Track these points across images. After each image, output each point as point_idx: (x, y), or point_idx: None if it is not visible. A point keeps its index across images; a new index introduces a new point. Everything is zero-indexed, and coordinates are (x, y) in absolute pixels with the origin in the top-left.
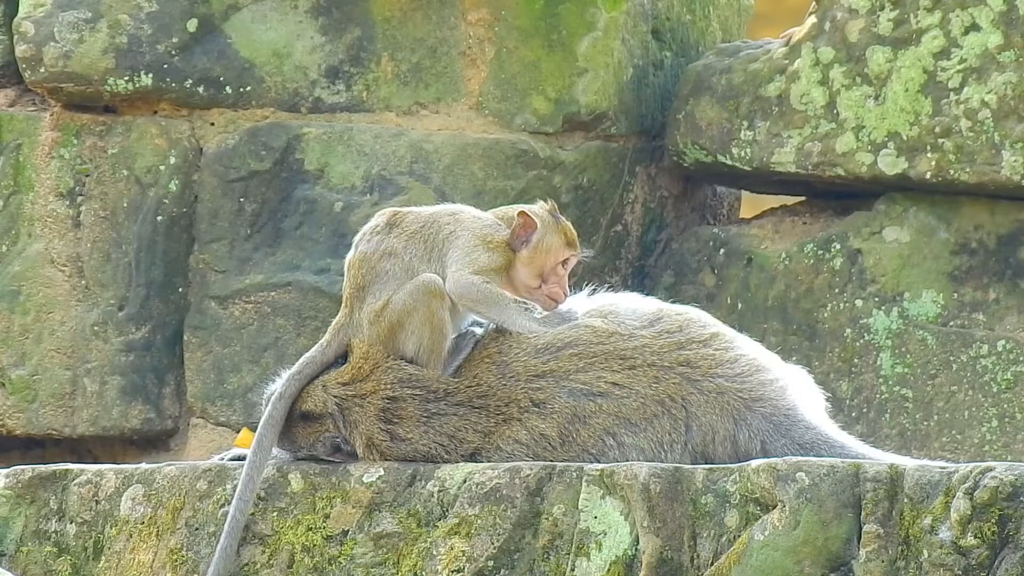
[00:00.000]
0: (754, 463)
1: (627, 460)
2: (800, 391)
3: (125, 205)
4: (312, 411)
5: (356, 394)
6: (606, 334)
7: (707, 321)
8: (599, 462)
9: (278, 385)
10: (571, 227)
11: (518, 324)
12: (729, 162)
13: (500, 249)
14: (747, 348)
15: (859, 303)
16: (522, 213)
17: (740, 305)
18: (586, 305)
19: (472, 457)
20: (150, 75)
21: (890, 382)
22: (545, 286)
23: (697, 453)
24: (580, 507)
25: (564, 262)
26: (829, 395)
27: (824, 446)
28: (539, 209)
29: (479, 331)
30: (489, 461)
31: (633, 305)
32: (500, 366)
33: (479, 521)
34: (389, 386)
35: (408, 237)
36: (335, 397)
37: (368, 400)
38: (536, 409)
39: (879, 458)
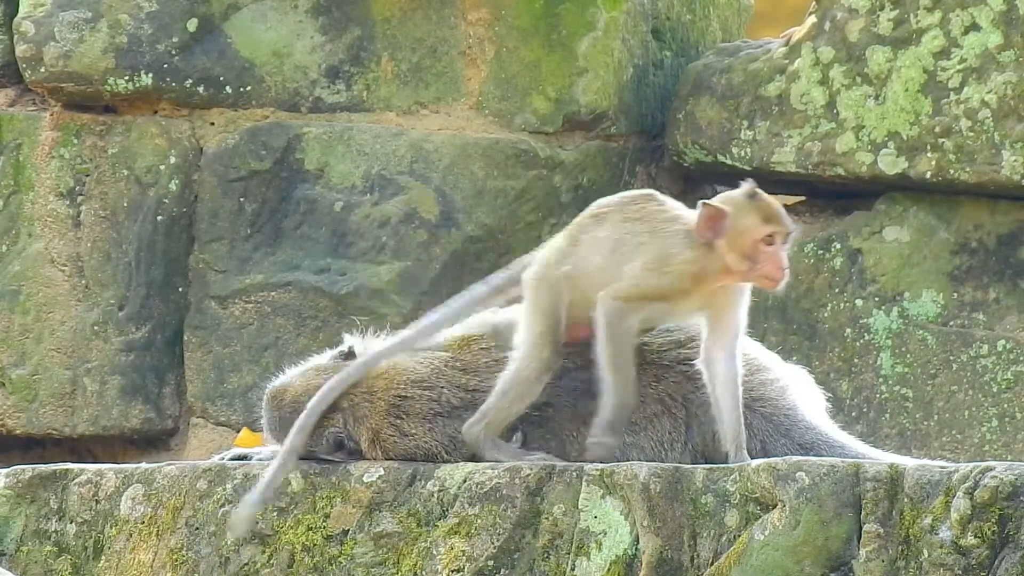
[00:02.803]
0: (754, 463)
1: (627, 459)
2: (800, 391)
3: (125, 205)
4: None
5: (367, 390)
6: None
7: None
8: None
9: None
10: (771, 203)
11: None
12: (729, 162)
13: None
14: (747, 347)
15: (859, 303)
16: (704, 205)
17: None
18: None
19: (472, 459)
20: (150, 75)
21: (890, 382)
22: (757, 267)
23: (697, 452)
24: (580, 507)
25: (769, 239)
26: (829, 395)
27: (824, 446)
28: (734, 192)
29: None
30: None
31: None
32: (500, 366)
33: (479, 521)
34: (401, 386)
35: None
36: (346, 392)
37: (379, 397)
38: (536, 413)
39: (879, 458)
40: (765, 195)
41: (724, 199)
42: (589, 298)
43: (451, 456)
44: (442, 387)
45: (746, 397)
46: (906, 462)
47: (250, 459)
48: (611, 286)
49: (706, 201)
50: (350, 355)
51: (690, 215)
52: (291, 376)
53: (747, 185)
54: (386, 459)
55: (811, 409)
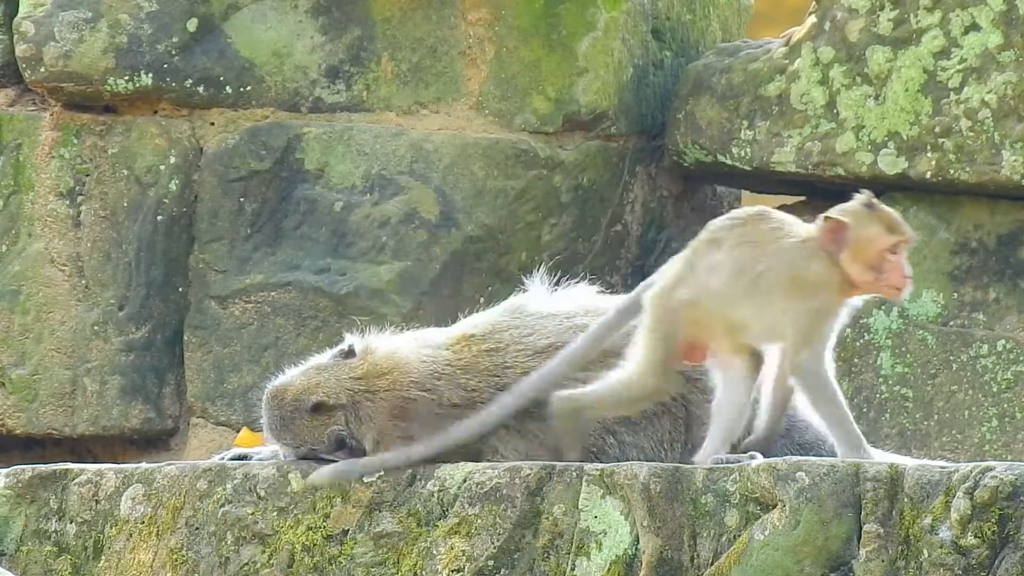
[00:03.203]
0: (754, 463)
1: (627, 459)
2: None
3: (125, 205)
4: (324, 402)
5: (368, 389)
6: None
7: None
8: (599, 461)
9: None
10: (891, 213)
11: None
12: (729, 162)
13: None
14: None
15: (859, 302)
16: (826, 219)
17: None
18: (583, 303)
19: (472, 459)
20: (150, 75)
21: (890, 382)
22: (882, 277)
23: (697, 452)
24: (580, 507)
25: (893, 249)
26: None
27: (824, 446)
28: (852, 203)
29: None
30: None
31: None
32: (500, 368)
33: (479, 521)
34: (406, 387)
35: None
36: (348, 390)
37: (381, 396)
38: (536, 411)
39: (879, 457)
40: (882, 204)
41: (843, 211)
42: (707, 324)
43: (452, 458)
44: (442, 388)
45: None
46: (906, 462)
47: (250, 459)
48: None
49: (827, 215)
50: (350, 353)
51: (805, 229)
52: (291, 376)
53: (863, 195)
54: None
55: (812, 418)
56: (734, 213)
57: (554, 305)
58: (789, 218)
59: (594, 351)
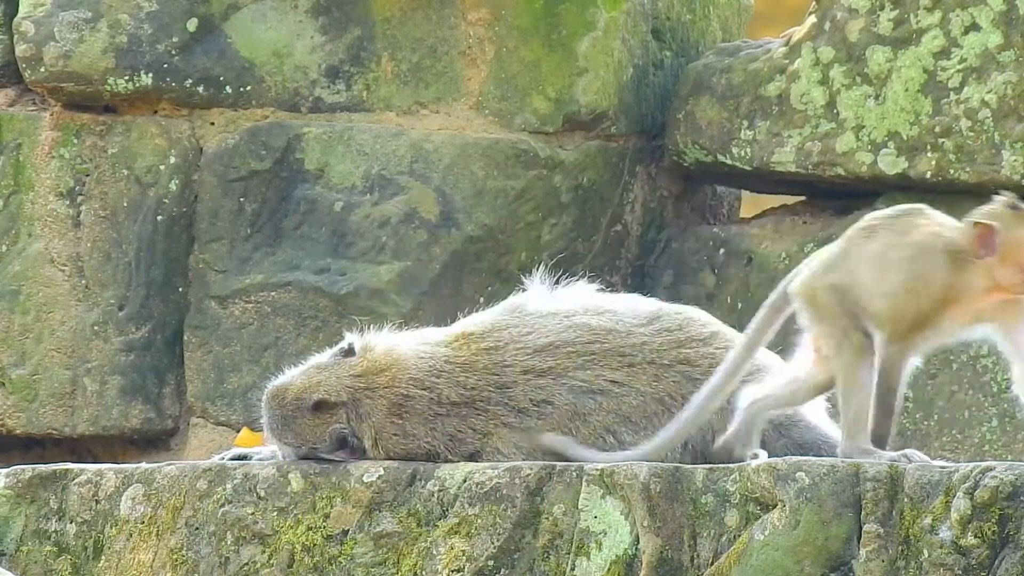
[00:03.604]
0: (754, 463)
1: (627, 458)
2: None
3: (125, 205)
4: (326, 400)
5: (367, 386)
6: (604, 331)
7: (707, 320)
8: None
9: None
10: None
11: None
12: (729, 162)
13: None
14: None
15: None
16: (974, 224)
17: (740, 305)
18: (583, 302)
19: (472, 458)
20: (150, 75)
21: None
22: None
23: (697, 452)
24: (580, 507)
25: None
26: (829, 395)
27: (824, 446)
28: (996, 206)
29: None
30: (489, 462)
31: (631, 303)
32: (498, 366)
33: (479, 521)
34: (404, 384)
35: None
36: (348, 387)
37: (380, 393)
38: (536, 409)
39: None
40: None
41: (989, 214)
42: (853, 310)
43: (452, 455)
44: (441, 386)
45: None
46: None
47: (250, 459)
48: (884, 328)
49: (975, 220)
50: (350, 352)
51: (954, 232)
52: (291, 375)
53: (1006, 197)
54: (387, 459)
55: (811, 410)
56: (896, 206)
57: (554, 304)
58: (944, 219)
59: (753, 353)
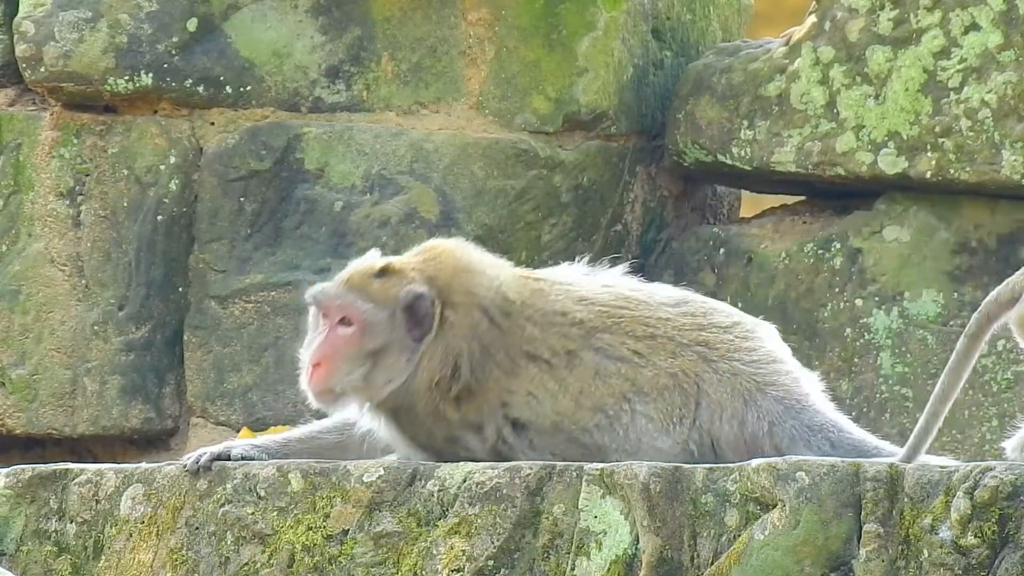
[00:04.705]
0: (754, 462)
1: (637, 426)
2: (814, 387)
3: (125, 205)
4: (394, 267)
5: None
6: (634, 300)
7: (731, 311)
8: (615, 426)
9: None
10: None
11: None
12: (729, 162)
13: None
14: (767, 341)
15: (859, 302)
16: None
17: (740, 304)
18: (621, 278)
19: (503, 407)
20: (150, 75)
21: (890, 382)
22: None
23: (704, 430)
24: (580, 506)
25: None
26: (830, 395)
27: (832, 428)
28: None
29: None
30: (515, 410)
31: (662, 287)
32: (543, 299)
33: (479, 520)
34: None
35: None
36: (421, 270)
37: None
38: (565, 358)
39: (888, 450)
40: None
41: None
42: None
43: (482, 373)
44: (493, 298)
45: (758, 381)
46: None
47: (230, 451)
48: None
49: None
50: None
51: None
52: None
53: None
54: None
55: (823, 401)
56: None
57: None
58: None
59: (968, 368)
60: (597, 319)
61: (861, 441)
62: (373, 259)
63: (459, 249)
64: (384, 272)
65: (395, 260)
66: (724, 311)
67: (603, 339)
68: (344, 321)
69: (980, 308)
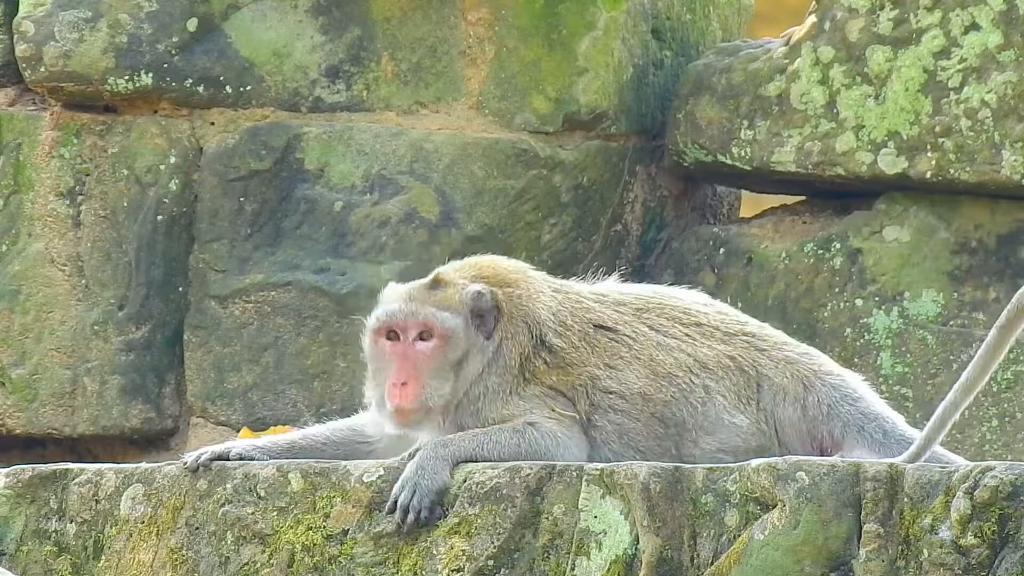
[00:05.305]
0: (754, 463)
1: (713, 402)
2: (862, 382)
3: (125, 205)
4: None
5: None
6: (672, 296)
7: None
8: (688, 400)
9: None
10: None
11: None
12: (729, 162)
13: None
14: (812, 353)
15: (859, 302)
16: None
17: (740, 304)
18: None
19: (593, 381)
20: (150, 75)
21: (890, 381)
22: None
23: (768, 412)
24: (580, 506)
25: None
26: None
27: (888, 420)
28: None
29: None
30: (603, 382)
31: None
32: (592, 295)
33: (479, 520)
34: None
35: None
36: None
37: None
38: (628, 326)
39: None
40: None
41: None
42: None
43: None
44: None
45: (814, 369)
46: (959, 461)
47: (228, 453)
48: None
49: None
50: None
51: None
52: None
53: None
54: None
55: (874, 394)
56: None
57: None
58: None
59: (997, 360)
60: (640, 302)
61: (912, 437)
62: (413, 281)
63: (485, 256)
64: (437, 283)
65: (440, 271)
66: (752, 321)
67: (652, 319)
68: (422, 336)
69: (1013, 300)
